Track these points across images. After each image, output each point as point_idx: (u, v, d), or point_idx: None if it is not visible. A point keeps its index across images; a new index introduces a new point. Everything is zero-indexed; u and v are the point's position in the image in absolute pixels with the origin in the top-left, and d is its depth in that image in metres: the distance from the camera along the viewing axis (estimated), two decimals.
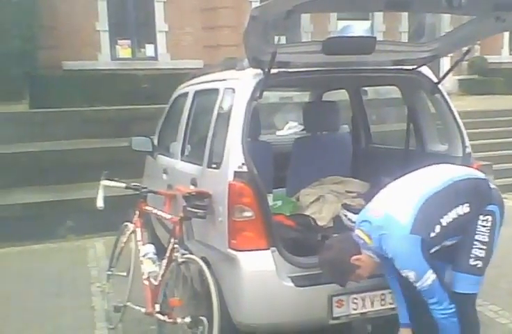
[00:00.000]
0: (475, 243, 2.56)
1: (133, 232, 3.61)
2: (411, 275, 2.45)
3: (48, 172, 6.89)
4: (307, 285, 2.79)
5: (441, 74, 3.57)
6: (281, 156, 4.06)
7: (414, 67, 3.47)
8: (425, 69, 3.50)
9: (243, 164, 2.90)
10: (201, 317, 2.87)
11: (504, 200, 6.78)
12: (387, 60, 3.45)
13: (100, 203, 3.52)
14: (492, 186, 2.71)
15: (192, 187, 3.34)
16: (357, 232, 2.59)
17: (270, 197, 3.73)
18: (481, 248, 2.55)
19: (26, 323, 3.93)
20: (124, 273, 3.66)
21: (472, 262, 2.56)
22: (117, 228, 3.92)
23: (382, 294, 2.90)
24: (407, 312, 2.72)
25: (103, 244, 5.61)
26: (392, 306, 2.87)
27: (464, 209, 2.52)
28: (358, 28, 15.17)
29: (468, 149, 3.33)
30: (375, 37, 3.43)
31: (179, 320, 2.97)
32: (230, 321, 2.86)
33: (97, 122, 8.04)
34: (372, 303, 2.90)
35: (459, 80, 13.90)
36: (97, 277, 4.73)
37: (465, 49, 3.49)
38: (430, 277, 2.45)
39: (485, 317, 3.62)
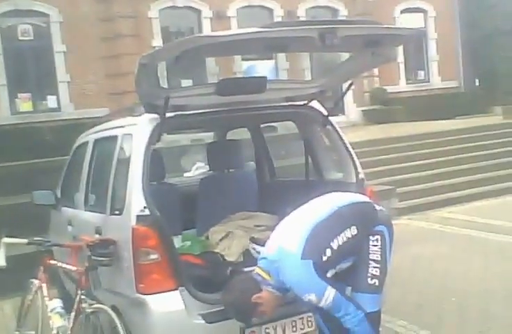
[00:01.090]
0: (370, 262, 2.68)
1: (39, 287, 3.48)
2: (312, 298, 2.52)
3: None
4: (219, 321, 2.80)
5: (345, 106, 3.82)
6: (189, 197, 4.09)
7: (305, 102, 3.66)
8: (315, 104, 3.70)
9: (144, 208, 2.91)
10: None
11: (409, 220, 7.12)
12: (279, 98, 3.63)
13: (2, 262, 3.37)
14: (379, 207, 2.88)
15: (97, 236, 3.29)
16: (256, 270, 2.67)
17: (178, 239, 3.75)
18: (375, 267, 2.67)
19: None
20: (33, 332, 3.51)
21: (369, 281, 2.67)
22: (24, 288, 3.75)
23: (293, 321, 2.97)
24: None
25: (11, 306, 5.29)
26: (304, 331, 2.93)
27: (352, 231, 2.66)
28: (262, 67, 15.79)
29: (361, 176, 3.52)
30: (265, 77, 3.62)
31: None
32: None
33: None
34: (284, 331, 2.95)
35: (363, 111, 14.66)
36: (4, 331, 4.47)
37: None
38: (330, 293, 2.53)
39: (394, 332, 3.76)
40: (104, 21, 11.85)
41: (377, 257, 2.69)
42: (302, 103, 3.67)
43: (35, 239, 3.55)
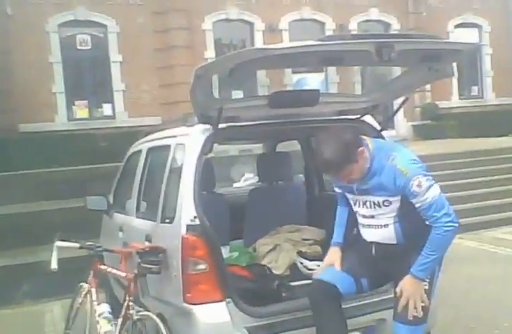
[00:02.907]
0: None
1: (89, 292, 3.55)
2: (423, 181, 2.46)
3: (3, 237, 6.73)
4: None
5: (395, 121, 3.78)
6: (238, 208, 4.10)
7: (358, 116, 3.63)
8: (368, 118, 3.66)
9: (195, 217, 2.93)
10: None
11: (460, 239, 6.89)
12: (331, 111, 3.61)
13: (54, 265, 3.45)
14: None
15: (147, 243, 3.34)
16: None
17: (226, 249, 3.76)
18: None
19: None
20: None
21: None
22: (74, 290, 3.84)
23: None
24: (343, 233, 2.91)
25: (60, 307, 5.43)
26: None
27: None
28: (313, 80, 15.85)
29: None
30: (318, 90, 3.60)
31: None
32: None
33: (52, 183, 8.00)
34: None
35: (413, 126, 14.44)
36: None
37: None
38: (437, 187, 2.49)
39: None
40: (159, 33, 12.15)
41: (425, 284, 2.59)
42: (354, 117, 3.64)
43: (87, 243, 3.63)
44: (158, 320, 2.90)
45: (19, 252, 6.57)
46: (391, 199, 2.57)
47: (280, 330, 2.77)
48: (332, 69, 13.57)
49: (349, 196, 2.79)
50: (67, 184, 8.00)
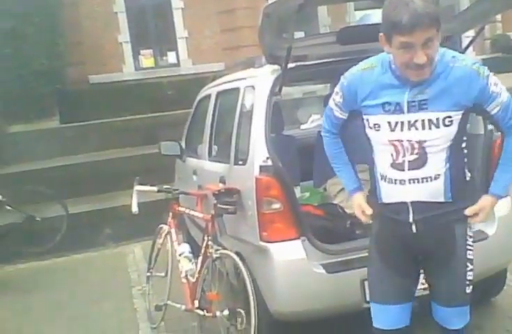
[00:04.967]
0: (467, 264, 2.12)
1: (168, 233, 3.70)
2: (495, 78, 2.01)
3: (83, 184, 7.10)
4: (339, 271, 2.82)
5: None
6: (306, 149, 4.09)
7: None
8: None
9: (267, 158, 2.95)
10: (239, 309, 2.94)
11: None
12: None
13: (135, 208, 3.61)
14: None
15: (221, 185, 3.42)
16: None
17: (297, 190, 3.78)
18: (471, 269, 2.14)
19: (72, 328, 4.07)
20: (163, 274, 3.75)
21: (467, 290, 2.13)
22: (153, 232, 4.02)
23: None
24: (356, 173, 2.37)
25: (141, 249, 5.74)
26: (425, 286, 2.68)
27: None
28: (376, 16, 15.10)
29: (490, 126, 3.29)
30: None
31: (218, 314, 3.06)
32: (267, 311, 2.91)
33: (125, 131, 8.26)
34: None
35: (483, 59, 13.61)
36: (137, 280, 4.88)
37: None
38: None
39: None
40: None
41: (472, 256, 2.13)
42: None
43: (165, 187, 3.76)
44: (236, 258, 3.00)
45: (99, 198, 6.93)
46: (454, 114, 1.97)
47: (354, 266, 2.79)
48: None
49: (387, 119, 2.01)
50: (138, 132, 8.25)
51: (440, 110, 1.95)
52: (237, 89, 3.52)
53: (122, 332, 3.91)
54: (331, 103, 2.26)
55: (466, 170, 2.13)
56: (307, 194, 3.89)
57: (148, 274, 3.99)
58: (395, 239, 2.13)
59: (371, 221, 2.27)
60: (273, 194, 2.87)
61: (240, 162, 3.22)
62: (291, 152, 3.92)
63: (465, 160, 2.11)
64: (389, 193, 2.08)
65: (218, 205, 3.15)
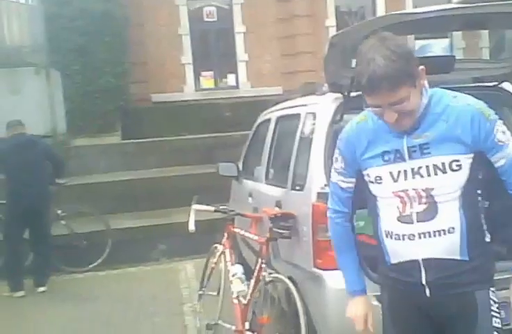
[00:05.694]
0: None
1: (223, 253, 3.76)
2: (504, 127, 1.79)
3: (141, 199, 7.30)
4: None
5: None
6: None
7: (496, 83, 3.43)
8: (507, 85, 3.45)
9: (325, 185, 2.98)
10: None
11: None
12: (467, 78, 3.45)
13: (192, 227, 3.69)
14: None
15: (277, 209, 3.46)
16: None
17: (353, 218, 3.77)
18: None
19: None
20: (215, 293, 3.81)
21: None
22: (205, 251, 4.09)
23: None
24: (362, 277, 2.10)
25: (193, 266, 5.83)
26: None
27: None
28: (436, 46, 14.97)
29: None
30: (454, 56, 3.45)
31: (265, 330, 3.08)
32: None
33: (184, 150, 8.45)
34: None
35: None
36: (188, 297, 4.95)
37: None
38: None
39: None
40: (281, 2, 12.10)
41: (500, 324, 1.84)
42: (492, 84, 3.45)
43: (221, 207, 3.84)
44: (289, 282, 3.02)
45: (156, 214, 7.10)
46: (462, 158, 1.74)
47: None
48: (457, 35, 12.74)
49: (388, 169, 1.83)
50: (196, 151, 8.44)
51: (445, 153, 1.74)
52: (298, 115, 3.59)
53: None
54: (333, 177, 2.04)
55: (484, 229, 1.85)
56: (362, 223, 3.86)
57: (200, 292, 4.06)
58: (408, 306, 1.89)
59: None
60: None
61: (297, 187, 3.26)
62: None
63: (482, 216, 1.85)
64: (397, 252, 1.83)
65: (274, 229, 3.20)
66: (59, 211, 6.07)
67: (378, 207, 1.91)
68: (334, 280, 2.84)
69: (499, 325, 1.83)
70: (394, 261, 1.86)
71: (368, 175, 1.88)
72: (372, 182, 1.88)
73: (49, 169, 5.67)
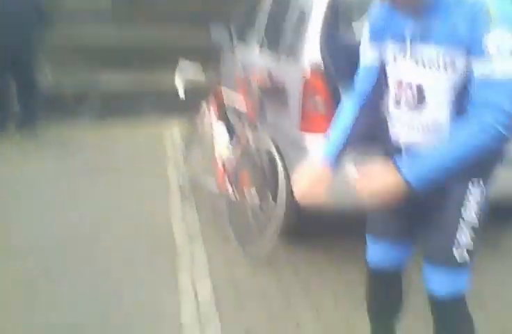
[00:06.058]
0: (460, 219, 1.76)
1: (208, 109, 3.88)
2: (507, 39, 1.51)
3: (130, 56, 7.10)
4: None
5: None
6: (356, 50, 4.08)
7: None
8: None
9: (318, 55, 3.04)
10: (266, 188, 3.13)
11: None
12: None
13: (182, 95, 3.76)
14: None
15: (267, 75, 3.50)
16: None
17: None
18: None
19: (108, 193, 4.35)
20: (198, 150, 4.00)
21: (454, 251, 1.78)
22: (194, 108, 4.17)
23: None
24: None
25: (180, 123, 5.84)
26: None
27: None
28: None
29: None
30: None
31: (245, 190, 3.26)
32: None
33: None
34: None
35: None
36: (172, 150, 5.21)
37: None
38: None
39: None
40: None
41: (474, 217, 1.75)
42: None
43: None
44: (272, 145, 3.15)
45: (144, 71, 6.92)
46: (456, 53, 1.59)
47: None
48: None
49: (392, 48, 1.75)
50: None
51: (443, 46, 1.61)
52: None
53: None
54: (362, 57, 1.87)
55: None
56: None
57: (183, 146, 4.28)
58: None
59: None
60: (318, 89, 2.99)
61: (290, 55, 3.30)
62: (344, 53, 3.93)
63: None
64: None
65: (260, 93, 3.29)
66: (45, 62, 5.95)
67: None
68: (317, 144, 2.89)
69: (471, 220, 1.73)
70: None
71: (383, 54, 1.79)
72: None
73: (34, 17, 5.52)
